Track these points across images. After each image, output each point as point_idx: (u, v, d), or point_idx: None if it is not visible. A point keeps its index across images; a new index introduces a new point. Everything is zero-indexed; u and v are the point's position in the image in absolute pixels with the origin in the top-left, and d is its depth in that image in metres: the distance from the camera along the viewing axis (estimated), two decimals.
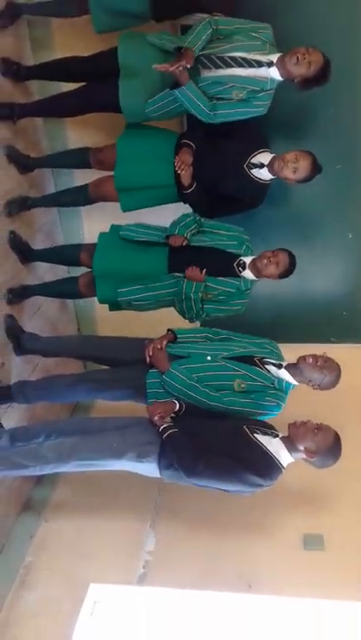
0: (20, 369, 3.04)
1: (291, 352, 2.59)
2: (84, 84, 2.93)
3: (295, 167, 2.64)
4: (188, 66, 2.50)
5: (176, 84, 2.56)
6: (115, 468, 2.41)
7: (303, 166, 2.64)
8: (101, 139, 3.21)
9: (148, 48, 2.68)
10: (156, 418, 2.34)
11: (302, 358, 2.47)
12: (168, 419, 2.36)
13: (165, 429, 2.30)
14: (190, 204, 2.87)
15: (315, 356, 2.45)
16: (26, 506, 3.08)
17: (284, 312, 3.64)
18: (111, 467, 2.41)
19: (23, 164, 3.09)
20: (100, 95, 2.84)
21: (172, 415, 2.40)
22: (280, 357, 2.61)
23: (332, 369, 2.45)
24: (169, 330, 2.68)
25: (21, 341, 2.96)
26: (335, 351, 2.54)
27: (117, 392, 2.66)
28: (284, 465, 2.30)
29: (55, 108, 3.06)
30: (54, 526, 3.00)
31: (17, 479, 2.93)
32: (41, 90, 3.23)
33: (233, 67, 2.60)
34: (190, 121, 2.88)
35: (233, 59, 2.59)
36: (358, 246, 3.46)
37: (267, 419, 2.48)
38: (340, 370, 2.47)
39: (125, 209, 2.92)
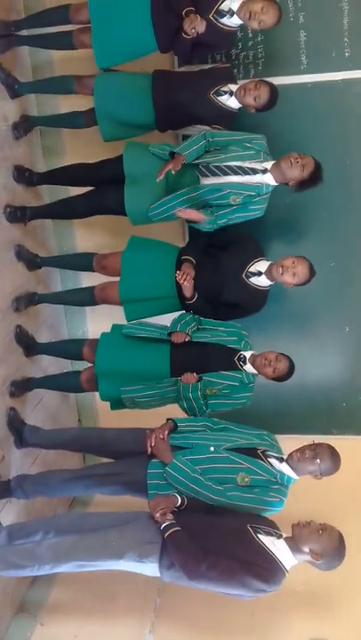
0: (20, 462, 3.02)
1: (292, 443, 2.57)
2: (91, 188, 3.12)
3: (294, 272, 2.76)
4: (173, 171, 2.71)
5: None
6: (114, 569, 2.35)
7: (302, 270, 2.77)
8: (107, 239, 3.38)
9: (151, 157, 2.88)
10: (157, 515, 2.30)
11: (290, 457, 2.46)
12: (170, 515, 2.31)
13: (167, 528, 2.26)
14: (194, 313, 2.96)
15: (301, 450, 2.44)
16: (21, 608, 2.96)
17: (284, 403, 3.66)
18: (110, 567, 2.34)
19: (32, 262, 3.23)
20: (106, 200, 3.02)
21: (174, 509, 2.36)
22: (280, 450, 2.60)
23: (323, 454, 2.42)
24: (168, 419, 2.68)
25: (23, 435, 2.97)
26: (337, 443, 2.51)
27: (116, 486, 2.63)
28: (288, 568, 2.23)
29: (64, 211, 3.25)
30: (50, 630, 2.86)
31: (12, 579, 2.84)
32: (51, 193, 3.43)
33: (229, 174, 2.79)
34: (191, 232, 3.04)
35: (229, 167, 2.79)
36: (355, 339, 3.55)
37: (269, 515, 2.44)
38: (333, 451, 2.43)
39: (129, 319, 3.02)
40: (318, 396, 3.66)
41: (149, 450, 2.54)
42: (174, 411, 2.87)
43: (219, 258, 2.88)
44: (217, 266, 2.89)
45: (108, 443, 2.80)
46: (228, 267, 2.89)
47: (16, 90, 3.12)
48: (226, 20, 2.80)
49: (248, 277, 2.87)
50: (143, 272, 2.95)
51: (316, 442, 2.47)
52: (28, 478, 2.85)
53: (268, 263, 2.85)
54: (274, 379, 2.80)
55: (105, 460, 2.87)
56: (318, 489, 2.61)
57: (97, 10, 2.86)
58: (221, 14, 2.78)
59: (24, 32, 3.11)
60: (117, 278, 3.01)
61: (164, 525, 2.27)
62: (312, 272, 2.81)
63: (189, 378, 2.77)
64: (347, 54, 3.15)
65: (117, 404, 2.97)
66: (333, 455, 2.43)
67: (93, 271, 3.16)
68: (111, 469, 2.70)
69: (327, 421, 3.64)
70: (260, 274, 2.85)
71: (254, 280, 2.88)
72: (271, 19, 2.75)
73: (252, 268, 2.87)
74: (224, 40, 2.95)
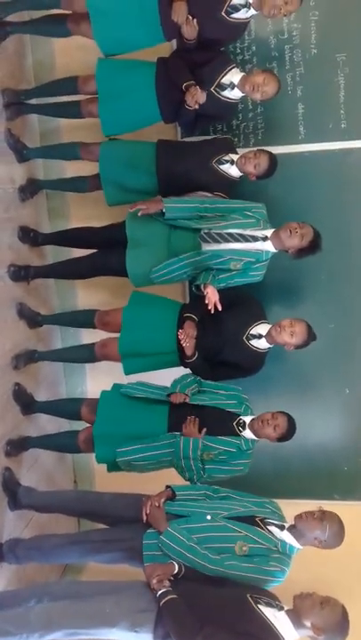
0: (13, 525, 2.94)
1: (293, 508, 2.51)
2: (94, 250, 3.19)
3: (292, 331, 2.78)
4: (141, 211, 2.82)
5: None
6: (107, 638, 2.25)
7: (299, 330, 2.79)
8: (108, 298, 3.42)
9: (153, 221, 2.95)
10: (154, 581, 2.22)
11: (298, 517, 2.39)
12: (167, 582, 2.23)
13: (163, 595, 2.17)
14: (192, 371, 2.98)
15: (309, 512, 2.38)
16: None
17: (284, 466, 3.59)
18: (103, 636, 2.24)
19: (33, 320, 3.26)
20: (109, 262, 3.09)
21: (171, 578, 2.27)
22: (282, 518, 2.52)
23: (332, 520, 2.35)
24: (167, 486, 2.62)
25: (17, 496, 2.90)
26: (339, 509, 2.45)
27: (111, 554, 2.55)
28: None
29: (67, 272, 3.31)
30: None
31: None
32: (55, 253, 3.51)
33: (230, 241, 2.85)
34: (192, 292, 3.07)
35: (230, 234, 2.85)
36: (355, 401, 3.52)
37: (270, 586, 2.35)
38: (340, 520, 2.37)
39: (128, 373, 3.02)
40: (319, 460, 3.59)
41: (145, 518, 2.47)
42: (173, 476, 2.83)
43: (221, 318, 2.90)
44: (218, 326, 2.90)
45: (105, 508, 2.73)
46: (229, 328, 2.90)
47: (24, 155, 3.24)
48: (227, 93, 2.94)
49: (248, 340, 2.89)
50: (144, 326, 2.96)
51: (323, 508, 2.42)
52: (21, 543, 2.78)
53: (269, 326, 2.88)
54: (278, 439, 2.74)
55: (100, 525, 2.80)
56: (321, 557, 2.53)
57: (104, 82, 2.99)
58: (223, 87, 2.93)
59: (33, 100, 3.25)
60: (118, 334, 3.02)
61: (160, 593, 2.19)
62: (311, 335, 2.83)
63: (192, 429, 2.72)
64: (343, 126, 3.29)
65: (114, 466, 2.90)
66: (340, 525, 2.37)
67: (94, 328, 3.18)
68: (107, 536, 2.62)
69: (329, 486, 3.56)
70: (260, 336, 2.88)
71: (254, 342, 2.89)
72: (272, 89, 2.89)
73: (253, 331, 2.89)
74: (225, 112, 3.10)
